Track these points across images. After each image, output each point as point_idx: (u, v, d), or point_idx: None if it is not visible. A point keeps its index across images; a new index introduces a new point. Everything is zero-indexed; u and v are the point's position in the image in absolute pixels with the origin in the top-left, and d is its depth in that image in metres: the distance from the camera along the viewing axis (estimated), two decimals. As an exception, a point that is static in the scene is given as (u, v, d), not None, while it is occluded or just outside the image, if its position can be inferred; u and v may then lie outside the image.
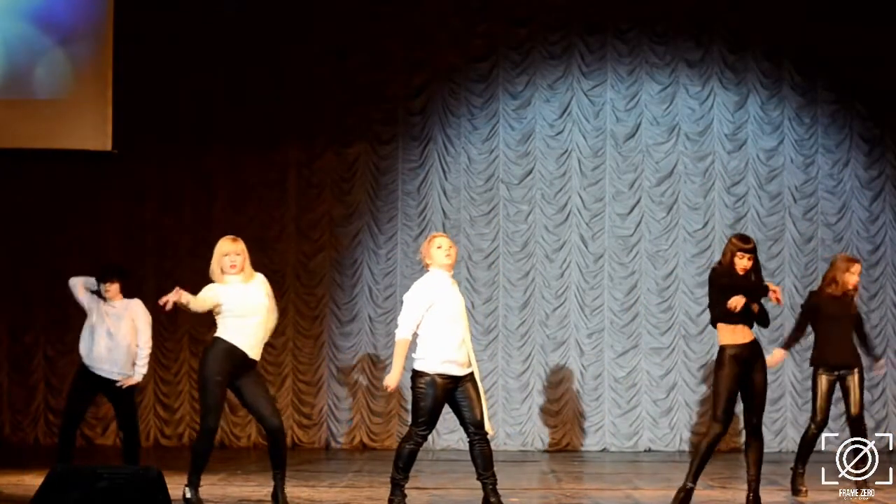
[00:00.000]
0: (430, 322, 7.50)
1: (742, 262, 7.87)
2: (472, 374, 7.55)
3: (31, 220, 12.80)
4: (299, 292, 12.79)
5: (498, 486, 7.63)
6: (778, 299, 7.87)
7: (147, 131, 12.76)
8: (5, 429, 12.73)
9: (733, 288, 7.78)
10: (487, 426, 7.55)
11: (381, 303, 12.73)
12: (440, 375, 7.44)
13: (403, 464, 7.56)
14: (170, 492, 7.14)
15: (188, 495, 7.63)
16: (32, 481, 8.79)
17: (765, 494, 8.41)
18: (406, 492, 7.68)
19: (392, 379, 7.52)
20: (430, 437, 12.34)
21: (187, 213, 12.89)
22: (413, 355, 7.59)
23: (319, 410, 12.70)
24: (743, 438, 12.28)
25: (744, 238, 8.03)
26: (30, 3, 12.39)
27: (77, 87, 12.40)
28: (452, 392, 7.49)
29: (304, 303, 12.80)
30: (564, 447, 12.50)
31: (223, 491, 8.97)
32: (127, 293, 12.81)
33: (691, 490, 7.84)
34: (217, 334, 7.79)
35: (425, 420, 7.49)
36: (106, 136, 12.39)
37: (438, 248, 7.58)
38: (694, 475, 7.84)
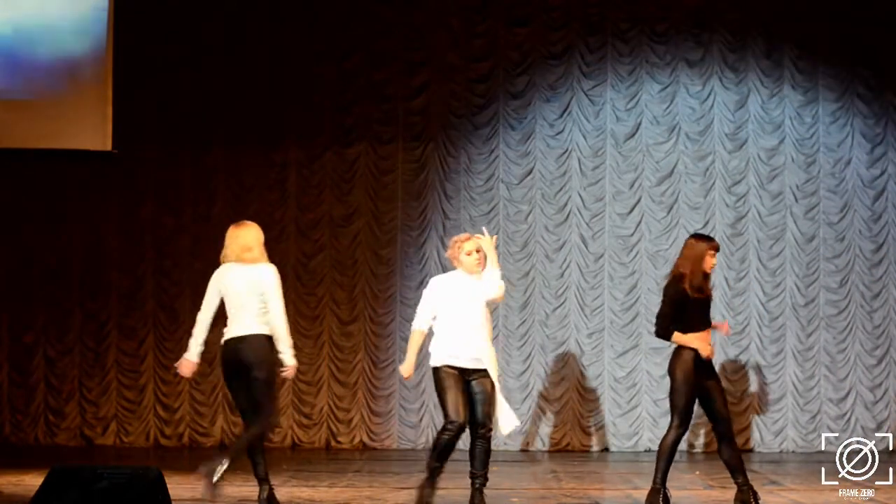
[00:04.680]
0: (440, 318, 7.72)
1: (713, 262, 7.86)
2: (485, 370, 7.66)
3: (31, 220, 12.80)
4: (299, 292, 12.78)
5: (498, 487, 7.66)
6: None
7: (147, 131, 12.77)
8: (5, 429, 12.73)
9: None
10: (516, 419, 7.75)
11: (381, 303, 12.73)
12: (446, 367, 7.64)
13: (438, 453, 7.67)
14: (170, 492, 7.13)
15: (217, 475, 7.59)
16: (32, 481, 8.80)
17: (765, 494, 8.40)
18: (427, 489, 7.74)
19: (404, 368, 7.78)
20: (430, 437, 12.48)
21: (187, 213, 12.89)
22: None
23: (319, 410, 12.69)
24: (744, 439, 12.34)
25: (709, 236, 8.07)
26: (30, 4, 12.40)
27: (77, 87, 12.41)
28: (468, 385, 7.64)
29: (304, 303, 12.79)
30: (564, 447, 12.49)
31: (223, 491, 8.95)
32: (127, 293, 12.91)
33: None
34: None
35: (446, 411, 7.61)
36: (106, 136, 12.42)
37: (468, 254, 7.74)
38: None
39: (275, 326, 7.71)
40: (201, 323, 7.81)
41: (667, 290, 7.89)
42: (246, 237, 7.83)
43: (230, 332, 7.78)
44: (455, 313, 7.68)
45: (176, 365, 7.92)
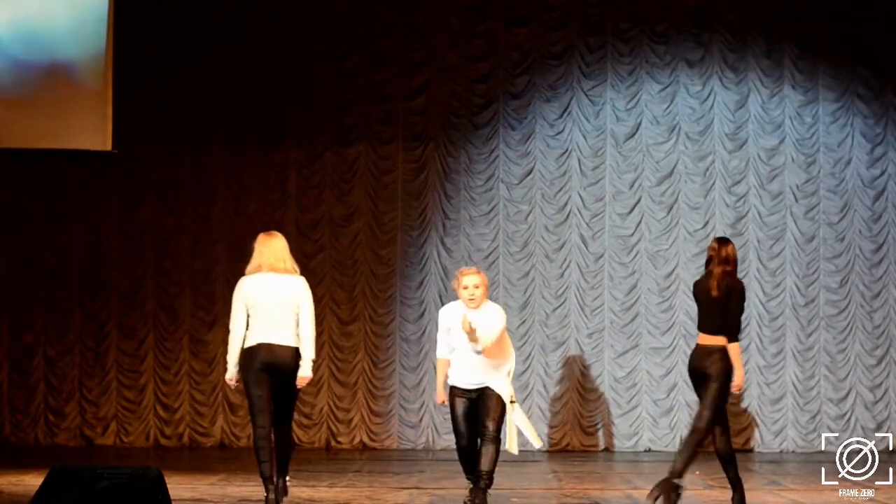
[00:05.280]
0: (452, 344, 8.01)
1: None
2: (487, 387, 7.92)
3: (31, 220, 12.79)
4: (299, 292, 12.76)
5: (498, 487, 7.71)
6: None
7: (147, 131, 12.76)
8: (5, 429, 12.73)
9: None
10: (535, 440, 8.14)
11: (381, 303, 12.73)
12: (454, 388, 7.97)
13: (463, 467, 8.07)
14: (170, 492, 7.13)
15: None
16: (32, 481, 8.80)
17: (765, 494, 8.40)
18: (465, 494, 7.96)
19: (437, 396, 8.15)
20: (430, 437, 12.54)
21: (187, 213, 12.88)
22: None
23: (319, 410, 12.69)
24: (744, 439, 12.34)
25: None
26: (30, 3, 12.40)
27: (77, 87, 12.41)
28: (475, 403, 7.92)
29: (304, 303, 12.77)
30: (564, 447, 12.49)
31: (223, 491, 8.97)
32: (127, 293, 12.91)
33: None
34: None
35: (454, 429, 8.02)
36: (106, 136, 12.41)
37: (465, 288, 7.87)
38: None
39: (303, 338, 7.71)
40: (238, 342, 7.70)
41: (735, 288, 8.02)
42: (279, 247, 7.88)
43: (264, 337, 7.65)
44: (457, 343, 7.90)
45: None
